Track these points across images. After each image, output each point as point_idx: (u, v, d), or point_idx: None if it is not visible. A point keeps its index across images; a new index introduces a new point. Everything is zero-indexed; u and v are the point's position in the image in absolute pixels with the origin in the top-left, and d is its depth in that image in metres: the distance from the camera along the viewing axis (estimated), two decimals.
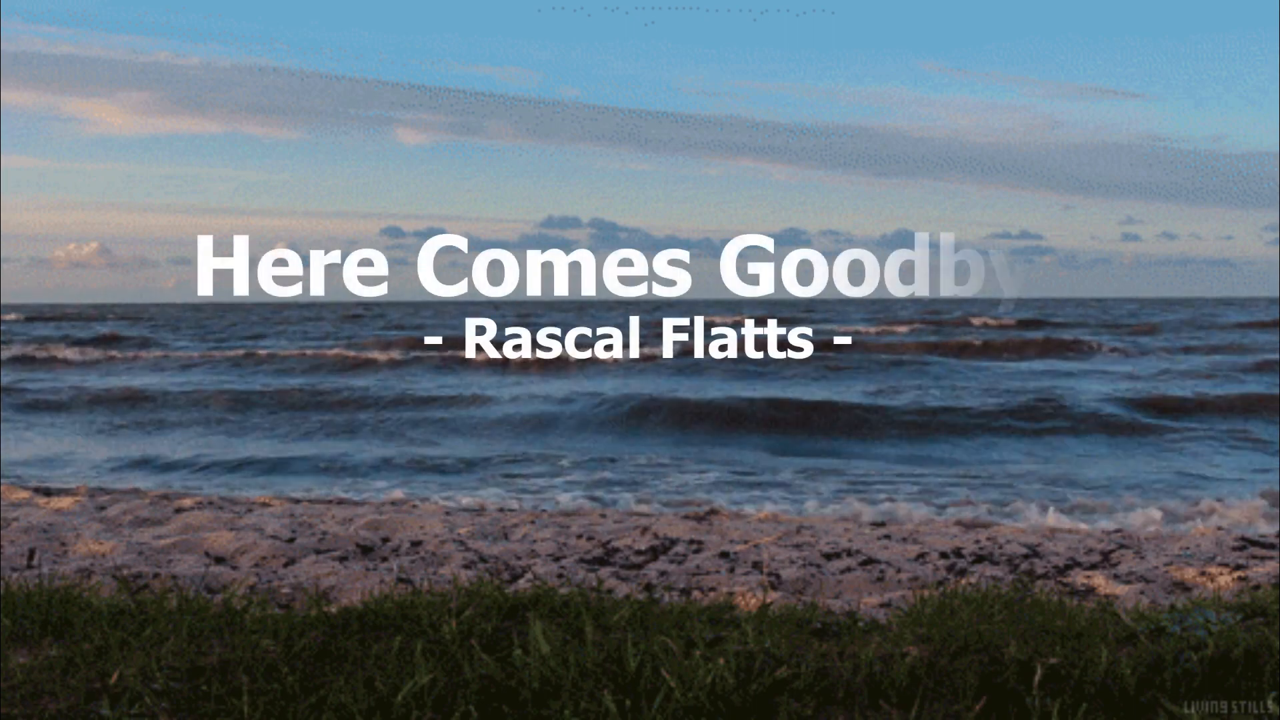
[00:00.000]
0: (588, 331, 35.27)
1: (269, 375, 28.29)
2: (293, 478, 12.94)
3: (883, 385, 23.06)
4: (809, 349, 29.93)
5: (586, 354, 31.42)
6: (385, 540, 7.30)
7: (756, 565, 6.42)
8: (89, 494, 10.31)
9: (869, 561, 6.50)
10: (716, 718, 2.58)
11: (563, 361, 30.93)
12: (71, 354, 34.81)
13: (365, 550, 6.99)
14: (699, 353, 32.20)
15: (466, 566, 6.40)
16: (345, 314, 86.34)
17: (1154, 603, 5.10)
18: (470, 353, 32.33)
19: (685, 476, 12.60)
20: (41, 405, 21.53)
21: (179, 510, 8.92)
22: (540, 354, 31.50)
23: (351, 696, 2.63)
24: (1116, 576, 6.07)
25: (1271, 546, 7.14)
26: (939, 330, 47.43)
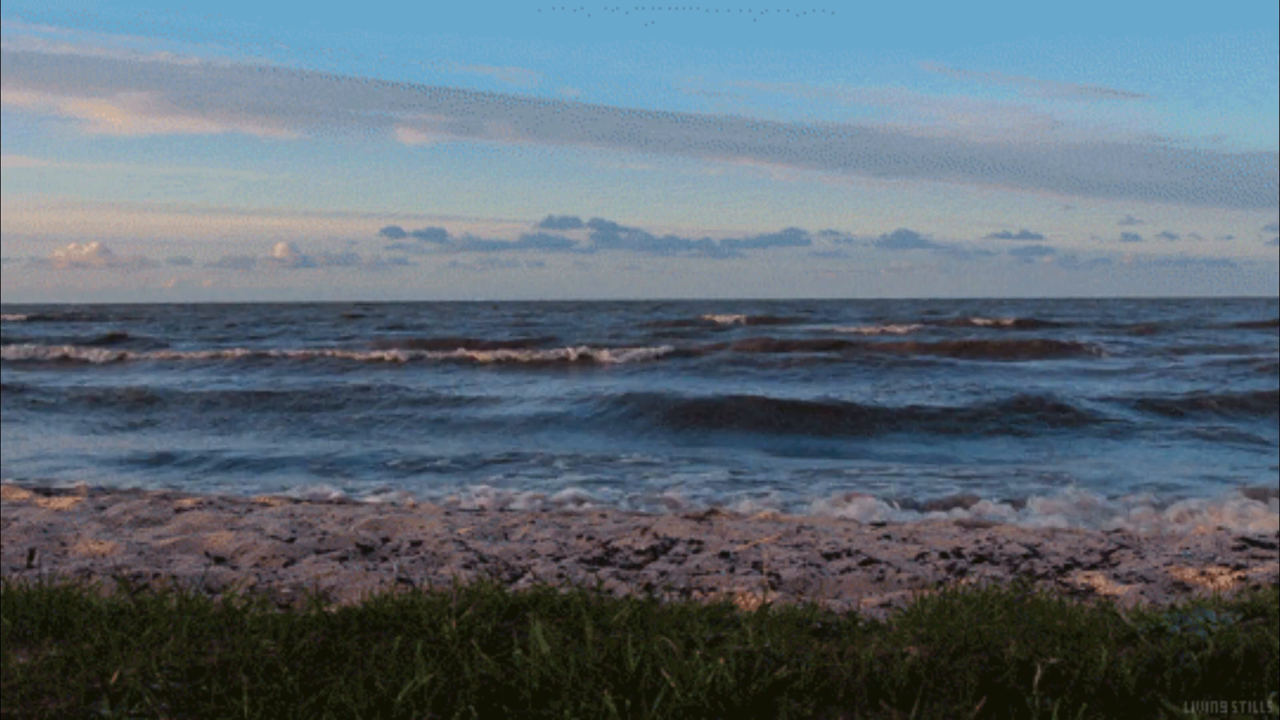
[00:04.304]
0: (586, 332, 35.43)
1: (268, 376, 28.30)
2: (288, 476, 12.94)
3: (881, 385, 23.07)
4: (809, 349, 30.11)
5: (586, 353, 31.50)
6: (385, 540, 7.29)
7: (756, 565, 6.42)
8: (89, 494, 10.31)
9: (869, 561, 6.50)
10: (716, 718, 2.58)
11: (562, 361, 30.98)
12: (70, 354, 34.87)
13: (365, 550, 6.99)
14: (697, 352, 32.36)
15: (466, 566, 6.40)
16: (345, 314, 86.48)
17: (1154, 603, 5.10)
18: (469, 353, 32.42)
19: (682, 476, 12.60)
20: (40, 404, 21.53)
21: (179, 510, 8.92)
22: (540, 354, 31.61)
23: (351, 696, 2.62)
24: (1116, 576, 6.07)
25: (1271, 546, 7.14)
26: (938, 330, 47.58)
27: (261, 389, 23.18)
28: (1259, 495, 10.65)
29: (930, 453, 15.07)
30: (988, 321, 55.08)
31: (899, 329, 48.40)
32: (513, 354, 31.75)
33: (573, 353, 31.78)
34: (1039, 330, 47.09)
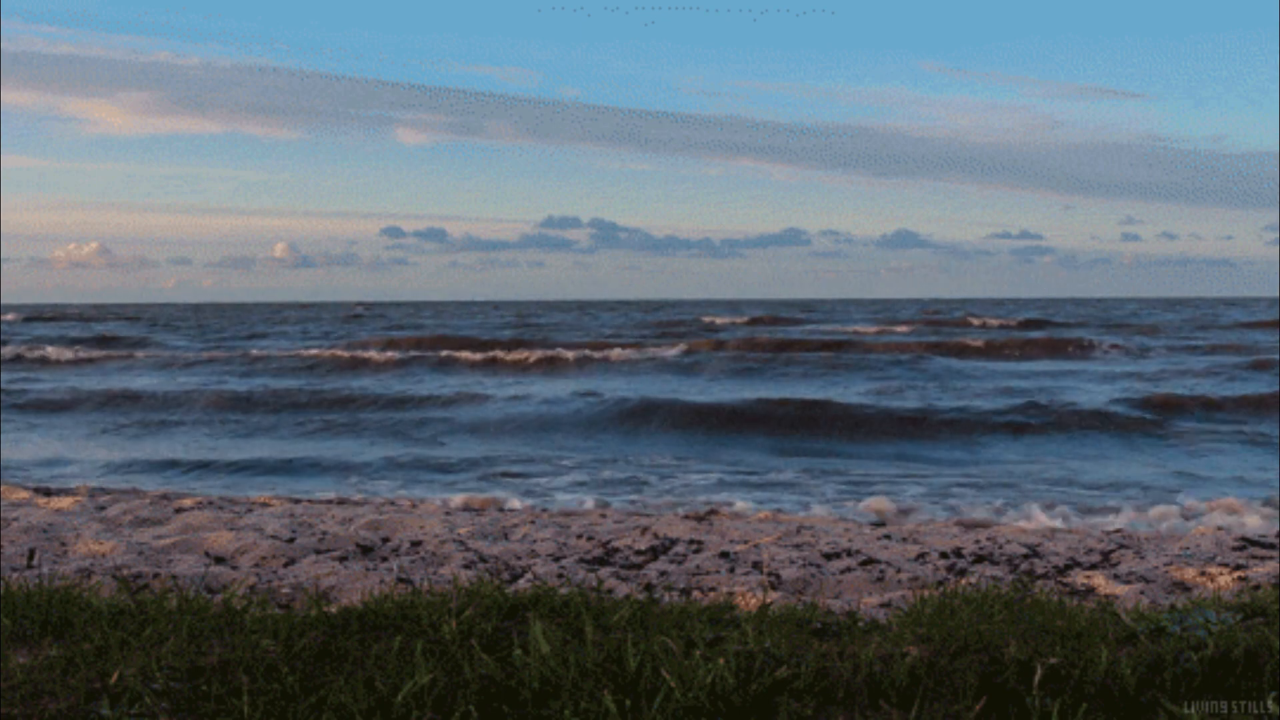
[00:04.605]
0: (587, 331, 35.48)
1: (269, 376, 28.33)
2: (293, 478, 12.94)
3: (883, 385, 23.11)
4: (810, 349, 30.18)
5: (586, 354, 31.52)
6: (385, 540, 7.30)
7: (756, 565, 6.42)
8: (89, 494, 10.31)
9: (869, 561, 6.50)
10: (716, 718, 2.58)
11: (563, 361, 30.98)
12: (70, 354, 34.88)
13: (365, 550, 6.99)
14: (698, 351, 32.38)
15: (466, 566, 6.40)
16: (346, 314, 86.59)
17: (1154, 603, 5.10)
18: (469, 353, 32.44)
19: (688, 477, 12.60)
20: (40, 405, 21.54)
21: (179, 510, 8.92)
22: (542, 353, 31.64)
23: (351, 696, 2.62)
24: (1116, 576, 6.07)
25: (1271, 546, 7.14)
26: (939, 330, 47.64)
27: (261, 389, 23.18)
28: (1261, 495, 10.66)
29: (931, 452, 15.07)
30: (990, 321, 55.14)
31: (900, 329, 48.46)
32: (513, 354, 31.77)
33: (573, 353, 31.80)
34: (1041, 330, 47.16)
